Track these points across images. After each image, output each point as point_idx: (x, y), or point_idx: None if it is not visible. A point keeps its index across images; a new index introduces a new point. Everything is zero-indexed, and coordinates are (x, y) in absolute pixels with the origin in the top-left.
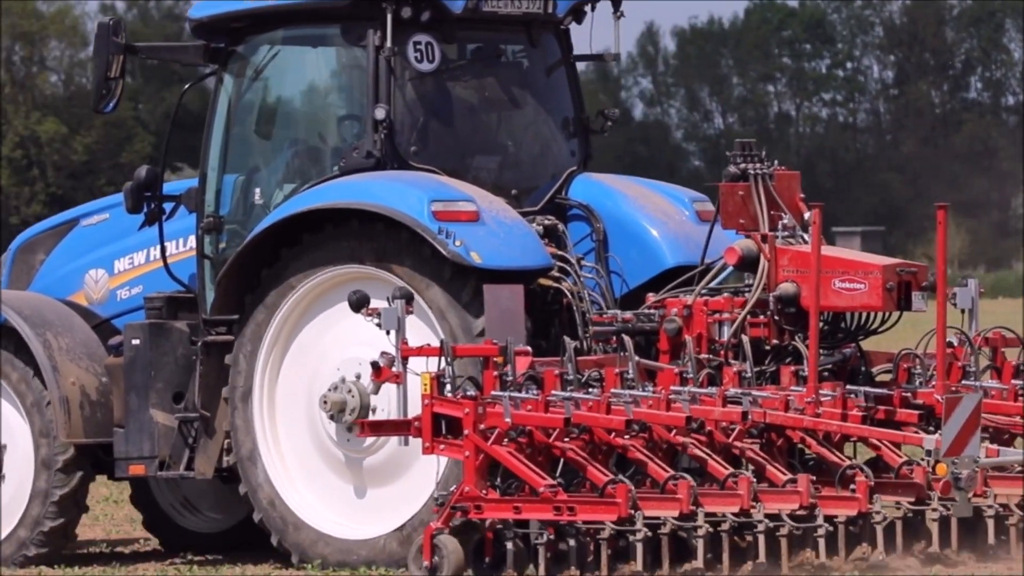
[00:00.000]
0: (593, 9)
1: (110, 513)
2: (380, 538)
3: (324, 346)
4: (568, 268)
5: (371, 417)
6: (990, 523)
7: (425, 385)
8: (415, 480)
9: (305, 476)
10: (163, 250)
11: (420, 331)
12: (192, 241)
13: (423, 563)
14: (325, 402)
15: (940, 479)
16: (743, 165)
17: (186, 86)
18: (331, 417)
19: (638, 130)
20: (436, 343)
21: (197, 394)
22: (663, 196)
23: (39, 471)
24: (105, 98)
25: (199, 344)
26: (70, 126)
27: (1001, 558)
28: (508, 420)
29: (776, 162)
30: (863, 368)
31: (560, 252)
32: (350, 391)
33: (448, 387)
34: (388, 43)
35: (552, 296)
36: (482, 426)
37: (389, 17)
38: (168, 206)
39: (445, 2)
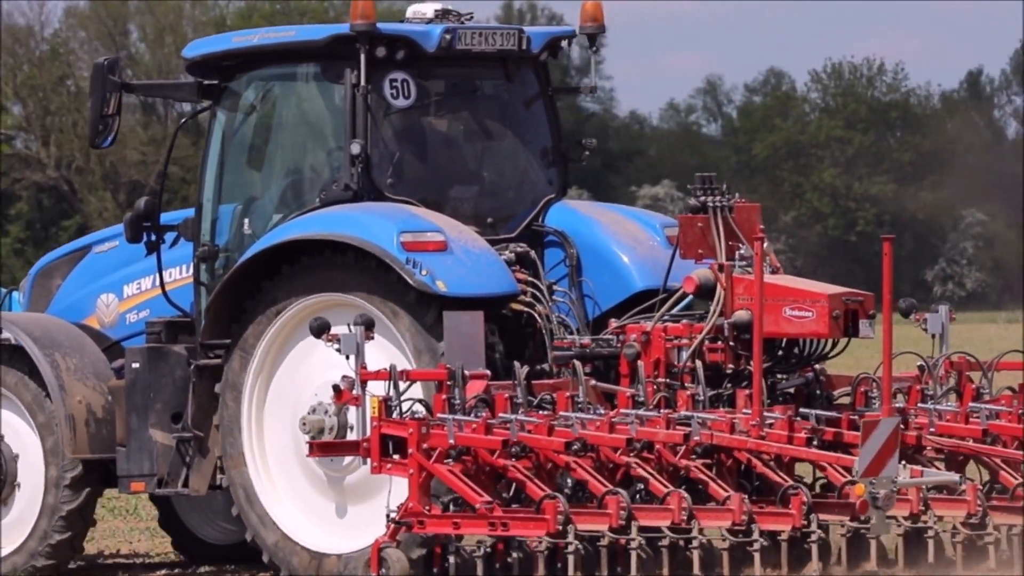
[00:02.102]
0: (570, 45)
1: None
2: (356, 552)
3: (306, 370)
4: (538, 294)
5: (348, 438)
6: (931, 543)
7: (374, 408)
8: (396, 496)
9: (289, 491)
10: (161, 278)
11: (392, 356)
12: None
13: (371, 575)
14: (304, 424)
15: (858, 498)
16: (703, 198)
17: (182, 121)
18: (312, 438)
19: (1010, 149)
20: (404, 367)
21: (191, 415)
22: (635, 222)
23: (48, 487)
24: (102, 134)
25: (192, 367)
26: None
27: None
28: (452, 441)
29: (737, 195)
30: (818, 391)
31: (530, 278)
32: (327, 412)
33: (396, 411)
34: (363, 81)
35: (525, 320)
36: (425, 445)
37: (363, 56)
38: (170, 236)
39: (419, 41)
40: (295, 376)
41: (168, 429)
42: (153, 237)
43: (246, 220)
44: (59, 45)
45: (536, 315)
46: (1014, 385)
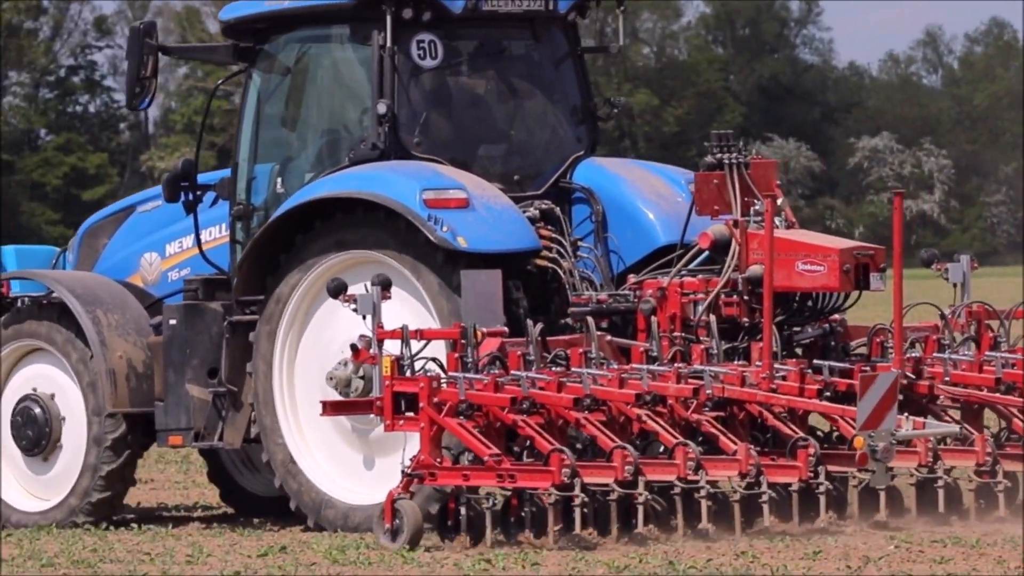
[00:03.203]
0: (598, 5)
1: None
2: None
3: (334, 326)
4: (562, 250)
5: (373, 393)
6: (941, 492)
7: (386, 367)
8: (412, 452)
9: (320, 446)
10: (198, 236)
11: (415, 312)
12: None
13: (385, 526)
14: (331, 378)
15: (858, 451)
16: (719, 155)
17: (219, 82)
18: (339, 393)
19: None
20: (431, 324)
21: (225, 370)
22: (661, 178)
23: (90, 446)
24: (139, 96)
25: (226, 323)
26: (661, 97)
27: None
28: (462, 397)
29: (754, 151)
30: (832, 343)
31: (555, 234)
32: (353, 368)
33: (408, 369)
34: (389, 42)
35: (551, 275)
36: (436, 400)
37: (389, 18)
38: (210, 196)
39: (445, 2)
40: (323, 332)
41: (204, 384)
42: (191, 196)
43: (279, 179)
44: None
45: (560, 271)
46: None
